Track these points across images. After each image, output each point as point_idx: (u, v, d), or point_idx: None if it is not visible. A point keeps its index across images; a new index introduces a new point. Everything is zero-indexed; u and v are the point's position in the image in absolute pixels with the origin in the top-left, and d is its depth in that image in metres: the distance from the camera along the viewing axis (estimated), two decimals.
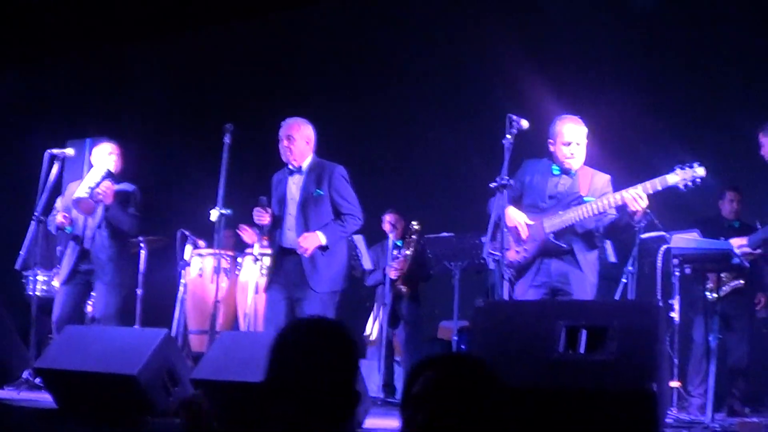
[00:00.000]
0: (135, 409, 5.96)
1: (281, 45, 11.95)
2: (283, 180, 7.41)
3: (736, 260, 6.97)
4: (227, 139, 7.40)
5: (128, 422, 5.91)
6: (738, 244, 7.09)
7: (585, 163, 6.92)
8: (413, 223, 9.92)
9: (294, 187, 7.34)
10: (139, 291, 8.99)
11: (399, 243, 10.18)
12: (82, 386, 6.09)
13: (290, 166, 7.36)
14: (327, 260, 7.20)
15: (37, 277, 9.31)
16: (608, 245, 8.41)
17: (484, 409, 2.56)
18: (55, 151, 8.15)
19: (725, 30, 10.22)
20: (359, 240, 9.86)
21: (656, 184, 6.47)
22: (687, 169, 6.49)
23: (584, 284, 6.64)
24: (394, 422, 3.31)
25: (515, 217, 6.73)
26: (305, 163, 7.35)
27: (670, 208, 8.44)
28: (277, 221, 7.32)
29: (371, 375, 10.25)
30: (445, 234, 9.29)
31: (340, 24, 12.14)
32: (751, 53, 9.99)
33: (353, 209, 7.32)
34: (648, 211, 7.97)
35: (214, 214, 7.25)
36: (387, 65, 11.87)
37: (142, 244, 9.07)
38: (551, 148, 6.86)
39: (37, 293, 8.96)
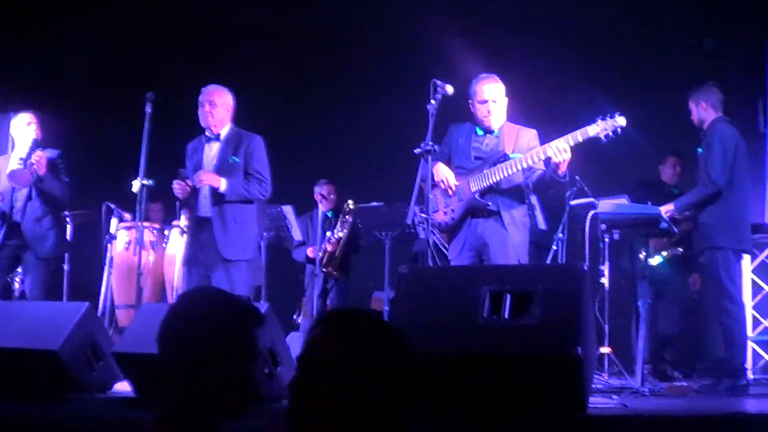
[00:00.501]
0: (57, 385, 5.81)
1: (203, 13, 11.73)
2: (199, 148, 7.28)
3: (663, 225, 6.96)
4: (149, 109, 7.25)
5: (51, 399, 5.73)
6: (666, 209, 7.07)
7: (511, 121, 6.90)
8: (348, 202, 9.79)
9: (210, 154, 7.22)
10: (65, 266, 8.82)
11: (329, 214, 10.09)
12: (1, 363, 5.93)
13: (207, 133, 7.24)
14: (239, 228, 7.10)
15: None
16: (538, 212, 8.39)
17: (374, 368, 2.29)
18: None
19: None
20: (288, 210, 9.75)
21: (577, 135, 6.45)
22: (608, 119, 6.47)
23: (507, 247, 6.59)
24: None
25: (443, 171, 6.69)
26: (224, 131, 7.23)
27: (604, 175, 8.46)
28: (194, 191, 7.17)
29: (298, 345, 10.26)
30: (374, 203, 9.21)
31: None
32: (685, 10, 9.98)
33: (262, 177, 7.20)
34: (577, 177, 8.00)
35: (136, 185, 7.10)
36: (311, 34, 11.70)
37: (68, 219, 8.88)
38: (472, 109, 6.82)
39: None
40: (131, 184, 7.16)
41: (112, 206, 8.95)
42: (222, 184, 7.00)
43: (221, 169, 7.11)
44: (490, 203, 6.63)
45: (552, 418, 4.65)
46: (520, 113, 7.00)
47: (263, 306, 5.70)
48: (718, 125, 6.97)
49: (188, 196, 7.16)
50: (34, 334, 5.87)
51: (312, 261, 10.00)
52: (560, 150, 6.37)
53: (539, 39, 10.05)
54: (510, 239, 6.62)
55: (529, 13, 10.27)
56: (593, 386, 6.17)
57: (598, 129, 6.45)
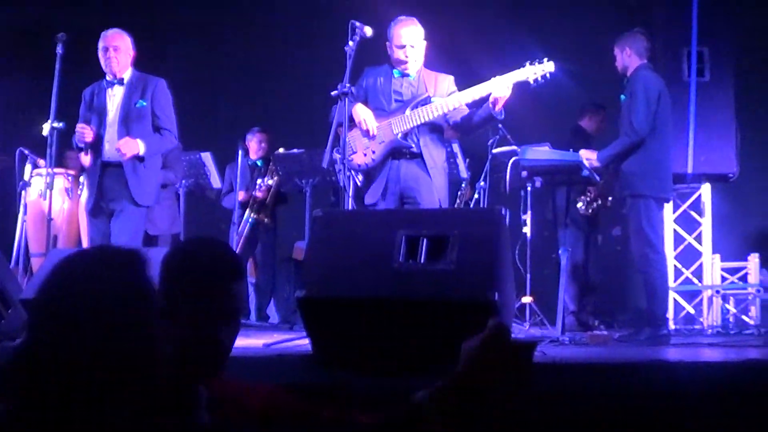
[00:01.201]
0: None
1: None
2: (100, 93, 7.12)
3: (585, 172, 6.91)
4: (60, 50, 7.04)
5: None
6: (587, 156, 7.01)
7: (430, 66, 6.80)
8: (279, 150, 9.64)
9: (114, 99, 7.08)
10: None
11: (259, 163, 9.93)
12: None
13: (109, 78, 7.09)
14: (149, 175, 7.03)
15: None
16: (460, 160, 8.33)
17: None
18: None
19: None
20: (207, 157, 9.60)
21: (511, 77, 6.38)
22: (536, 63, 6.46)
23: (432, 191, 6.53)
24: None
25: (362, 112, 6.57)
26: (126, 75, 7.11)
27: (527, 123, 8.40)
28: (98, 136, 7.02)
29: None
30: (295, 150, 9.06)
31: None
32: None
33: (171, 126, 7.16)
34: (500, 125, 7.92)
35: (46, 128, 6.91)
36: None
37: None
38: (389, 52, 6.73)
39: None
40: (41, 128, 6.95)
41: (26, 152, 8.71)
42: (141, 148, 6.90)
43: (128, 115, 6.99)
44: (412, 145, 6.53)
45: None
46: (441, 58, 6.89)
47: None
48: (641, 72, 6.92)
49: (93, 140, 7.00)
50: None
51: (241, 207, 9.86)
52: (502, 85, 6.32)
53: None
54: (433, 183, 6.55)
55: None
56: (514, 336, 6.12)
57: (528, 73, 6.41)
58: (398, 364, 4.59)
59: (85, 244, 8.68)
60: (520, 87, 6.45)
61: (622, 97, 7.00)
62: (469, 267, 4.57)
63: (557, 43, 8.72)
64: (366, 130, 6.53)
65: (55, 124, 6.89)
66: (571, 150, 7.35)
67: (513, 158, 7.18)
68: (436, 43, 6.85)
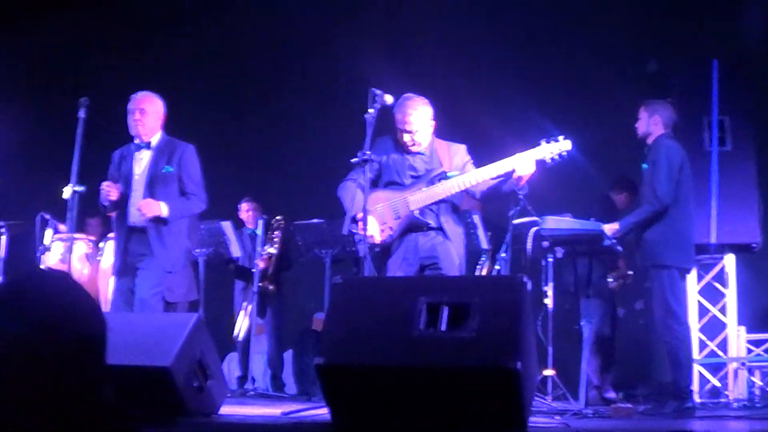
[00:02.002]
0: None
1: (138, 20, 11.57)
2: (128, 156, 7.15)
3: (607, 242, 6.85)
4: (82, 114, 7.03)
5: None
6: (611, 228, 6.95)
7: (439, 136, 6.74)
8: (277, 218, 9.64)
9: (141, 163, 7.10)
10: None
11: (258, 232, 9.91)
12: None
13: (137, 141, 7.11)
14: (174, 240, 6.99)
15: None
16: (480, 231, 8.27)
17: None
18: None
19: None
20: (227, 226, 9.59)
21: (529, 155, 6.31)
22: (552, 142, 6.38)
23: (452, 256, 6.46)
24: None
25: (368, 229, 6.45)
26: (154, 139, 7.13)
27: (549, 194, 8.35)
28: (123, 199, 7.03)
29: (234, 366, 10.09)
30: (315, 221, 9.05)
31: (199, 1, 11.83)
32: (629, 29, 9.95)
33: (198, 191, 7.15)
34: (521, 196, 7.87)
35: (67, 191, 6.88)
36: (245, 45, 11.59)
37: (2, 229, 8.74)
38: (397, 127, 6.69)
39: None
40: (62, 191, 6.94)
41: (47, 217, 8.71)
42: (164, 210, 6.87)
43: (154, 179, 6.99)
44: (430, 221, 6.48)
45: None
46: (455, 128, 6.87)
47: (194, 316, 5.46)
48: (664, 141, 6.89)
49: (118, 201, 7.00)
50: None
51: (242, 277, 9.86)
52: (527, 163, 6.24)
53: (479, 57, 9.96)
54: (455, 250, 6.49)
55: (470, 31, 10.19)
56: (536, 408, 6.05)
57: (545, 152, 6.34)
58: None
59: (105, 308, 8.67)
60: (538, 164, 6.38)
61: (644, 165, 6.96)
62: (491, 335, 4.50)
63: (574, 113, 8.72)
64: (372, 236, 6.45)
65: (77, 188, 6.87)
66: (592, 219, 7.29)
67: (534, 228, 7.12)
68: (450, 112, 6.82)
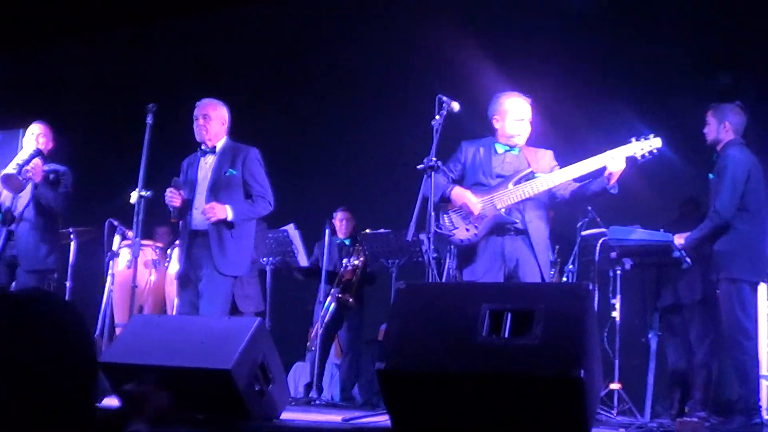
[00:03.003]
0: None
1: (207, 27, 11.65)
2: (195, 162, 7.20)
3: (676, 254, 6.74)
4: (150, 119, 7.10)
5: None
6: (679, 241, 6.84)
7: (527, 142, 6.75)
8: (366, 231, 9.62)
9: (206, 168, 7.13)
10: (68, 283, 8.78)
11: (347, 242, 9.91)
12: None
13: (203, 147, 7.15)
14: (236, 244, 6.96)
15: None
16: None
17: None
18: None
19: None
20: (295, 235, 9.57)
21: (620, 152, 6.26)
22: (642, 139, 6.32)
23: (535, 272, 6.40)
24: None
25: (461, 194, 6.51)
26: (219, 144, 7.16)
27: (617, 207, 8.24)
28: (187, 204, 7.06)
29: (304, 374, 10.05)
30: (382, 230, 9.02)
31: (269, 9, 11.86)
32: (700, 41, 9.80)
33: (264, 193, 7.10)
34: (589, 208, 7.79)
35: (134, 196, 6.93)
36: (314, 51, 11.61)
37: (72, 235, 8.85)
38: (496, 125, 6.70)
39: None
40: (129, 196, 6.99)
41: (116, 223, 8.79)
42: (229, 213, 6.87)
43: (217, 183, 7.00)
44: (517, 221, 6.44)
45: None
46: (540, 136, 6.82)
47: (256, 320, 5.46)
48: (731, 149, 6.71)
49: (182, 206, 7.04)
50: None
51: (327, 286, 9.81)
52: (617, 160, 6.19)
53: (551, 60, 9.87)
54: (538, 260, 6.43)
55: (545, 34, 10.10)
56: (600, 421, 5.96)
57: (635, 148, 6.29)
58: None
59: (171, 312, 8.73)
60: (628, 161, 6.29)
61: (710, 176, 6.82)
62: (555, 342, 4.44)
63: (647, 120, 8.56)
64: (469, 212, 6.45)
65: (143, 193, 6.92)
66: (661, 230, 7.18)
67: (602, 239, 7.04)
68: (534, 116, 6.77)
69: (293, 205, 10.58)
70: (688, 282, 7.71)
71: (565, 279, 8.21)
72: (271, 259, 9.65)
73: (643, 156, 6.29)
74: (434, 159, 6.09)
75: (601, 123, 9.21)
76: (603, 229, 7.54)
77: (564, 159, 6.60)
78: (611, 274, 7.57)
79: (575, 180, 6.47)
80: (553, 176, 6.41)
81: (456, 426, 4.57)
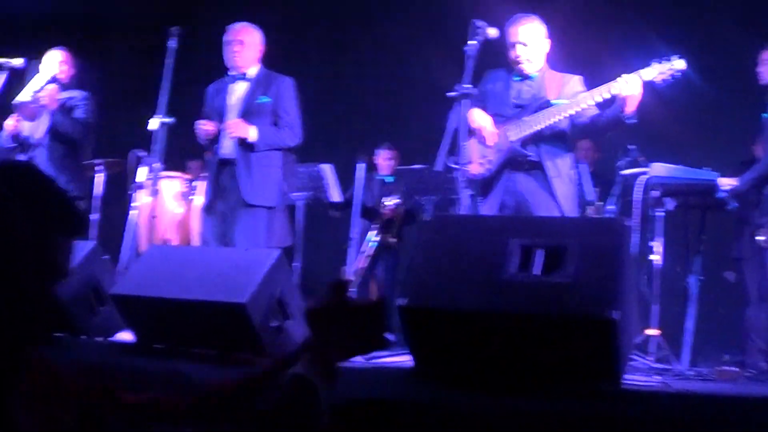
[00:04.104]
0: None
1: None
2: (222, 89, 6.97)
3: (720, 194, 6.40)
4: (173, 43, 6.86)
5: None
6: (729, 182, 6.48)
7: (552, 67, 6.37)
8: (399, 167, 9.33)
9: (236, 94, 6.91)
10: (94, 216, 8.62)
11: (387, 180, 9.66)
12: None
13: (233, 72, 6.91)
14: (264, 172, 6.77)
15: None
16: (586, 182, 7.90)
17: None
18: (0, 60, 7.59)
19: None
20: (327, 169, 9.31)
21: (635, 76, 5.82)
22: (664, 62, 5.86)
23: (550, 202, 6.07)
24: None
25: (479, 118, 6.18)
26: (251, 71, 6.94)
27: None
28: (216, 134, 6.85)
29: None
30: (416, 166, 8.71)
31: None
32: None
33: (293, 124, 6.88)
34: (631, 146, 7.45)
35: (154, 123, 6.72)
36: None
37: (99, 167, 8.67)
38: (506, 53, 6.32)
39: None
40: (149, 122, 6.77)
41: (141, 154, 8.59)
42: (252, 132, 6.65)
43: (249, 110, 6.78)
44: (531, 153, 6.11)
45: (581, 388, 4.16)
46: (563, 58, 6.45)
47: (275, 253, 5.22)
48: None
49: (212, 137, 6.82)
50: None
51: (366, 216, 9.56)
52: (628, 83, 5.76)
53: None
54: (555, 192, 6.08)
55: None
56: (635, 367, 5.70)
57: (654, 72, 5.83)
58: (505, 382, 4.22)
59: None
60: (648, 88, 5.87)
61: (764, 115, 6.46)
62: (588, 281, 4.16)
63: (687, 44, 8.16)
64: (483, 138, 6.15)
65: (165, 119, 6.71)
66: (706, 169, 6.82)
67: (642, 176, 6.70)
68: (558, 42, 6.40)
69: (325, 140, 10.36)
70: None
71: None
72: (303, 194, 9.42)
73: (664, 80, 5.84)
74: (467, 86, 5.76)
75: (630, 46, 8.78)
76: (645, 169, 7.20)
77: (593, 85, 6.18)
78: (652, 214, 7.24)
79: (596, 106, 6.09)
80: (566, 105, 6.03)
81: (481, 367, 4.32)
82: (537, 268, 4.31)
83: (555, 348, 4.15)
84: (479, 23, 5.90)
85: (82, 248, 5.65)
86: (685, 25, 9.25)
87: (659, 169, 6.63)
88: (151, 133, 6.98)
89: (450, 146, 5.81)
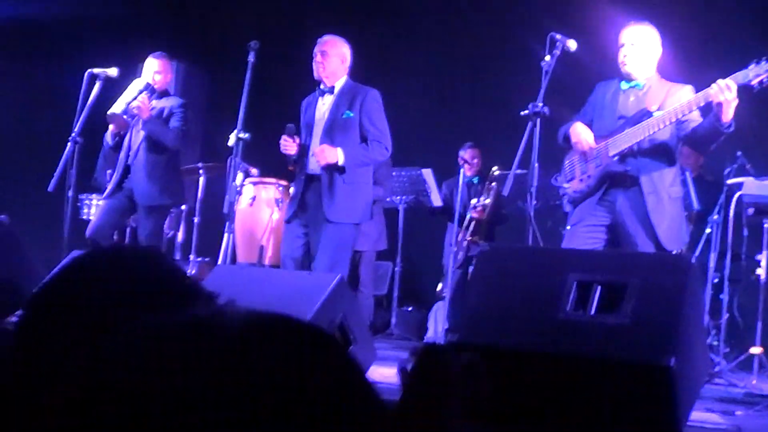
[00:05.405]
0: None
1: None
2: (313, 103, 6.92)
3: None
4: (251, 58, 6.81)
5: None
6: None
7: (665, 77, 6.00)
8: (494, 168, 9.13)
9: (323, 108, 6.84)
10: (196, 219, 8.81)
11: (474, 180, 9.48)
12: None
13: (321, 86, 6.86)
14: (348, 189, 6.67)
15: (92, 202, 9.20)
16: (691, 190, 7.59)
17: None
18: (95, 70, 7.65)
19: None
20: (428, 174, 9.22)
21: (728, 81, 5.39)
22: (763, 63, 5.39)
23: (643, 223, 5.74)
24: None
25: (580, 131, 5.92)
26: (338, 84, 6.85)
27: None
28: (304, 148, 6.81)
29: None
30: (517, 171, 8.48)
31: None
32: None
33: (381, 137, 6.75)
34: (739, 153, 7.09)
35: (232, 139, 6.69)
36: None
37: (201, 171, 8.80)
38: None
39: (91, 217, 8.90)
40: (227, 138, 6.76)
41: (238, 160, 8.61)
42: (340, 156, 6.57)
43: (333, 125, 6.71)
44: (629, 168, 5.80)
45: None
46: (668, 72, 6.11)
47: (336, 277, 5.10)
48: None
49: (299, 152, 6.81)
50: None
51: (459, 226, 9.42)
52: (723, 88, 5.35)
53: None
54: (649, 210, 5.74)
55: None
56: (729, 394, 5.42)
57: (750, 74, 5.39)
58: (555, 426, 4.01)
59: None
60: (745, 92, 5.46)
61: None
62: (645, 324, 3.91)
63: None
64: (583, 152, 5.90)
65: (241, 135, 6.68)
66: None
67: (738, 193, 6.36)
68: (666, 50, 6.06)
69: (424, 142, 10.21)
70: None
71: (708, 230, 7.57)
72: (404, 197, 9.34)
73: (761, 82, 5.38)
74: (540, 105, 5.52)
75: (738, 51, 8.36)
76: (750, 178, 6.85)
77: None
78: (764, 225, 6.90)
79: (700, 111, 5.72)
80: (662, 115, 5.66)
81: (530, 407, 4.11)
82: (593, 307, 4.08)
83: (608, 394, 3.93)
84: (557, 36, 5.64)
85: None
86: None
87: (752, 186, 6.28)
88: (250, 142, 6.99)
89: (519, 165, 5.57)
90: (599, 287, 4.10)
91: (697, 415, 4.44)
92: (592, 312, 4.07)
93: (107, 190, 7.95)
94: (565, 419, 4.02)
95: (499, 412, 4.16)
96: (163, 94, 8.03)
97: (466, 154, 9.53)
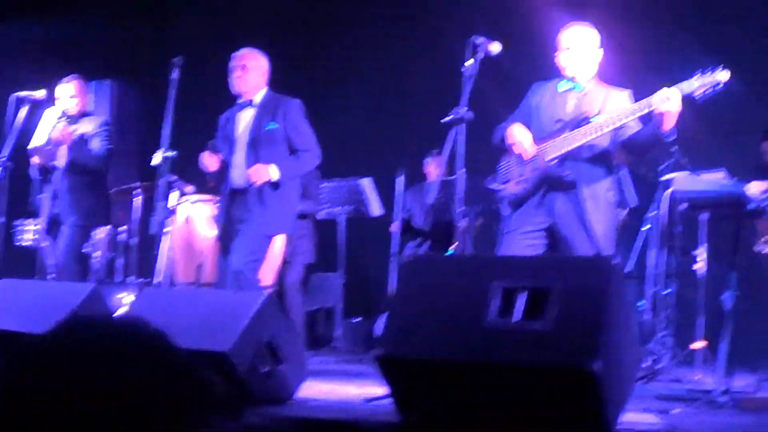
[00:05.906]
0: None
1: None
2: (231, 118, 6.80)
3: (752, 205, 6.01)
4: (175, 74, 6.71)
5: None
6: (760, 187, 6.09)
7: (604, 80, 5.98)
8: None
9: (244, 122, 6.73)
10: (133, 240, 8.69)
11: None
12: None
13: (240, 100, 6.74)
14: (278, 201, 6.57)
15: (29, 227, 9.07)
16: (629, 187, 7.58)
17: None
18: (21, 94, 7.56)
19: None
20: (366, 184, 9.13)
21: (672, 91, 5.35)
22: (708, 73, 5.34)
23: (578, 227, 5.71)
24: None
25: (518, 134, 5.84)
26: (258, 97, 6.76)
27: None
28: (225, 164, 6.72)
29: None
30: (452, 177, 8.45)
31: None
32: None
33: (310, 145, 6.68)
34: (674, 148, 7.08)
35: (157, 158, 6.59)
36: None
37: (138, 190, 8.69)
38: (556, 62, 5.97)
39: (25, 243, 8.77)
40: (152, 157, 6.67)
41: (173, 179, 8.50)
42: (274, 173, 6.49)
43: (257, 138, 6.61)
44: (568, 172, 5.75)
45: None
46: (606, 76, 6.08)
47: (263, 295, 5.02)
48: None
49: (220, 168, 6.72)
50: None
51: (409, 234, 9.37)
52: (665, 98, 5.30)
53: None
54: (586, 215, 5.69)
55: None
56: (671, 392, 5.40)
57: (693, 85, 5.33)
58: None
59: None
60: (687, 102, 5.39)
61: None
62: (570, 328, 3.86)
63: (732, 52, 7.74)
64: (519, 155, 5.85)
65: (167, 153, 6.59)
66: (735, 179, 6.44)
67: (669, 189, 6.33)
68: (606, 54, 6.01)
69: (364, 152, 10.14)
70: None
71: (648, 226, 7.58)
72: (344, 208, 9.28)
73: (704, 92, 5.32)
74: (463, 110, 5.44)
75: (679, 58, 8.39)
76: (685, 173, 6.85)
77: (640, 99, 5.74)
78: (698, 220, 6.91)
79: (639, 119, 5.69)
80: (601, 121, 5.61)
81: (461, 417, 4.06)
82: (518, 313, 4.02)
83: (537, 400, 3.88)
84: (479, 40, 5.57)
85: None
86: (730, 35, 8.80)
87: (681, 181, 6.26)
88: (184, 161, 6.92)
89: (447, 173, 5.52)
90: (524, 293, 4.05)
91: (631, 417, 4.38)
92: (518, 319, 4.01)
93: (44, 223, 7.90)
94: (500, 425, 3.97)
95: (429, 423, 4.12)
96: (83, 115, 7.98)
97: (432, 162, 9.42)
